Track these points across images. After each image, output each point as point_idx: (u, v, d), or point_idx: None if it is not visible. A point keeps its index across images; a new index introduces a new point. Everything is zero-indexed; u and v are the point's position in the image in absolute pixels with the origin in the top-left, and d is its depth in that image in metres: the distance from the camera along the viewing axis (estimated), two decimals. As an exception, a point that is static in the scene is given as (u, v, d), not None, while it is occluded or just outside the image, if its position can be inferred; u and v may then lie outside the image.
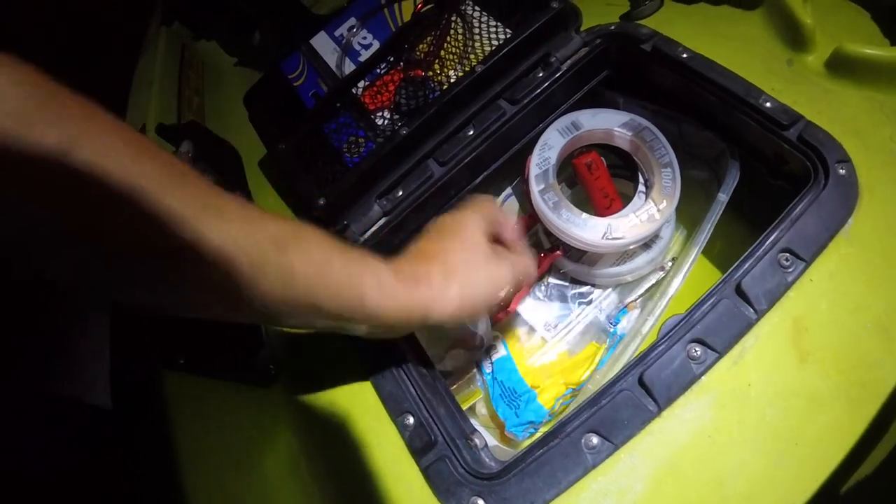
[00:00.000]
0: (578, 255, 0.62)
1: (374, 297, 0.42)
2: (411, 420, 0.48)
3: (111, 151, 0.30)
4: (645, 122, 0.59)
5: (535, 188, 0.57)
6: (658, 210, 0.54)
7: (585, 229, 0.54)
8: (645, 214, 0.55)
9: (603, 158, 0.60)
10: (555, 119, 0.60)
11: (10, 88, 0.27)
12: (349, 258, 0.41)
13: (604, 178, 0.59)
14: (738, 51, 0.58)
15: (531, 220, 0.61)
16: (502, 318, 0.61)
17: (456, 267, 0.46)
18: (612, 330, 0.60)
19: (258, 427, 0.52)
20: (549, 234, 0.60)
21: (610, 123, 0.60)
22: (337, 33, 0.71)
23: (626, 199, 0.59)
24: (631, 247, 0.57)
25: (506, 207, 0.72)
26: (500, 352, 0.60)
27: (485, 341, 0.61)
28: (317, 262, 0.39)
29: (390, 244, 0.59)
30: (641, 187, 0.59)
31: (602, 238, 0.54)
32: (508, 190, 0.72)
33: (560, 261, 0.62)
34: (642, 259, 0.60)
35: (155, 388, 0.49)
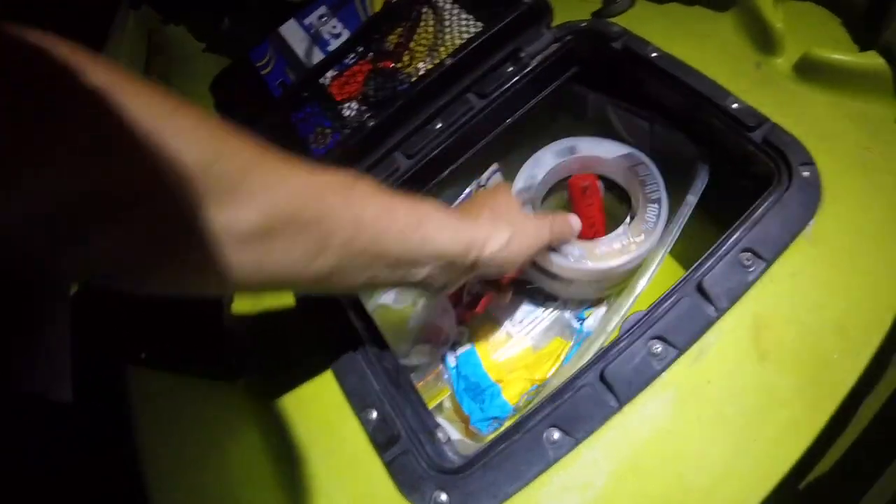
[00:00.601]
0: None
1: (437, 234, 0.43)
2: (374, 414, 0.48)
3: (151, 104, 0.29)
4: (643, 158, 0.60)
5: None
6: (634, 242, 0.55)
7: (559, 251, 0.55)
8: (618, 243, 0.55)
9: (601, 186, 0.61)
10: (522, 115, 0.61)
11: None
12: (409, 202, 0.42)
13: (595, 206, 0.60)
14: (708, 51, 0.59)
15: None
16: (468, 317, 0.61)
17: (504, 214, 0.50)
18: (577, 326, 0.60)
19: (221, 422, 0.51)
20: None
21: (608, 153, 0.61)
22: (307, 22, 0.70)
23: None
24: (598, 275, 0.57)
25: (491, 184, 0.72)
26: (465, 346, 0.60)
27: (450, 337, 0.61)
28: (382, 206, 0.40)
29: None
30: (627, 218, 0.60)
31: (571, 261, 0.55)
32: (495, 166, 0.72)
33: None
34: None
35: (118, 384, 0.48)
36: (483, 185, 0.66)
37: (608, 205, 0.63)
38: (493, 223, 0.48)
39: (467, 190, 0.72)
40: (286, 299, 0.57)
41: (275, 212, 0.33)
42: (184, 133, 0.29)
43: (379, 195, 0.40)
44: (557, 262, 0.54)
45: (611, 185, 0.63)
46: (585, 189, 0.59)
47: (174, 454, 0.50)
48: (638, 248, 0.55)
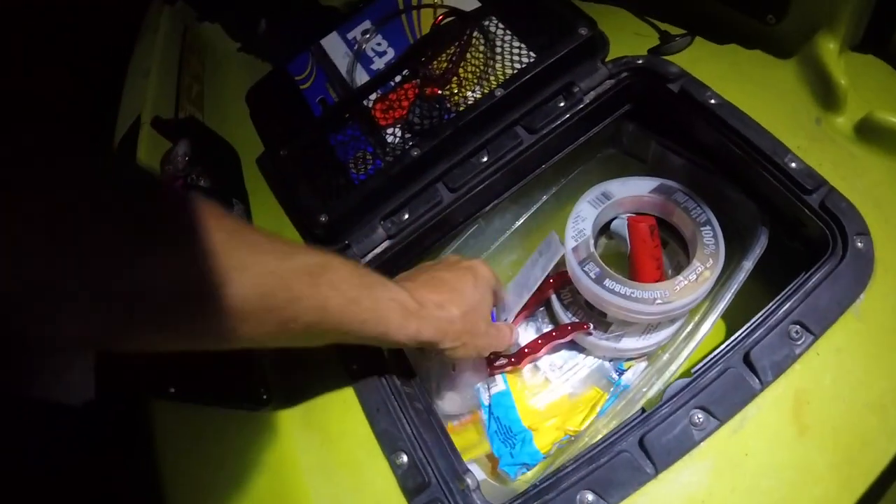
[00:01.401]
0: (605, 326, 0.62)
1: (398, 330, 0.47)
2: (405, 459, 0.49)
3: None
4: (675, 185, 0.59)
5: (573, 260, 0.58)
6: (706, 268, 0.55)
7: (633, 298, 0.55)
8: (693, 275, 0.55)
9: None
10: (571, 150, 0.60)
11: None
12: (375, 295, 0.46)
13: (660, 247, 0.60)
14: (768, 101, 0.58)
15: (557, 282, 0.64)
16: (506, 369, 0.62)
17: (469, 309, 0.52)
18: (616, 378, 0.60)
19: (247, 454, 0.51)
20: (586, 303, 0.61)
21: (640, 190, 0.60)
22: (350, 36, 0.68)
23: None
24: (679, 312, 0.56)
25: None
26: (500, 386, 0.61)
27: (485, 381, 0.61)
28: (347, 298, 0.43)
29: (391, 270, 0.58)
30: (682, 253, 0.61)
31: (653, 305, 0.54)
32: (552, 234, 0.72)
33: (581, 338, 0.62)
34: (667, 332, 0.60)
35: (140, 416, 0.48)
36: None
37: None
38: (465, 329, 0.52)
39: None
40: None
41: (244, 295, 0.35)
42: None
43: (345, 285, 0.43)
44: (641, 309, 0.54)
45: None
46: (653, 230, 0.59)
47: (197, 486, 0.50)
48: (712, 273, 0.55)
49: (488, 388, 0.61)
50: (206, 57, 0.90)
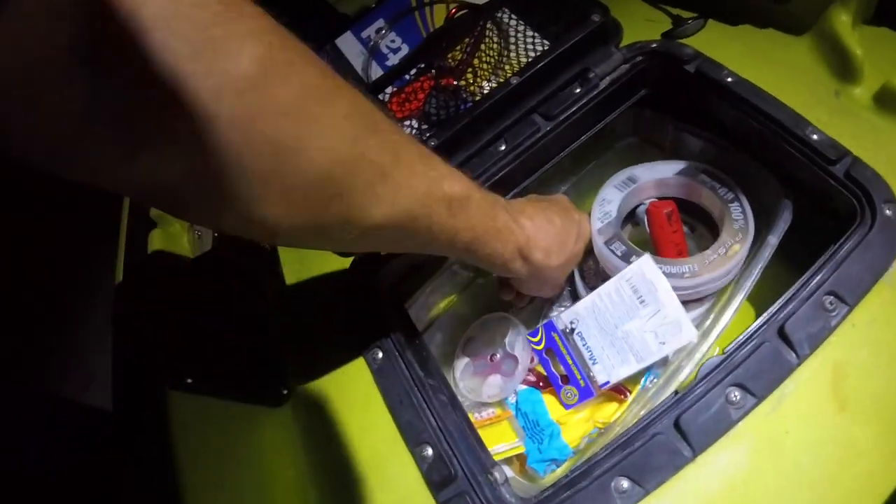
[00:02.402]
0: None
1: (503, 265, 0.50)
2: (430, 451, 0.47)
3: None
4: (701, 166, 0.59)
5: (599, 241, 0.58)
6: (736, 241, 0.54)
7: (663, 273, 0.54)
8: (723, 249, 0.54)
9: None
10: (589, 138, 0.59)
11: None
12: (502, 236, 0.49)
13: (680, 231, 0.59)
14: (784, 78, 0.57)
15: None
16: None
17: (564, 263, 0.54)
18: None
19: (266, 449, 0.50)
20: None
21: (666, 173, 0.60)
22: (364, 35, 0.69)
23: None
24: (708, 287, 0.55)
25: None
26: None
27: (522, 373, 0.59)
28: (475, 233, 0.46)
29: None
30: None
31: (682, 279, 0.53)
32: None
33: None
34: (694, 313, 0.58)
35: (158, 406, 0.47)
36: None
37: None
38: (557, 249, 0.53)
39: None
40: (336, 319, 0.57)
41: (395, 215, 0.38)
42: (334, 125, 0.33)
43: (477, 221, 0.46)
44: (672, 283, 0.53)
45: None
46: (670, 215, 0.58)
47: (216, 481, 0.49)
48: (742, 247, 0.54)
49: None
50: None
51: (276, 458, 0.49)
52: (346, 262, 0.59)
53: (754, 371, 0.44)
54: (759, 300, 0.55)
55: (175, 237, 0.62)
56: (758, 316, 0.48)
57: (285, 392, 0.52)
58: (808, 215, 0.54)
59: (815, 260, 0.48)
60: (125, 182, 0.30)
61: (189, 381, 0.47)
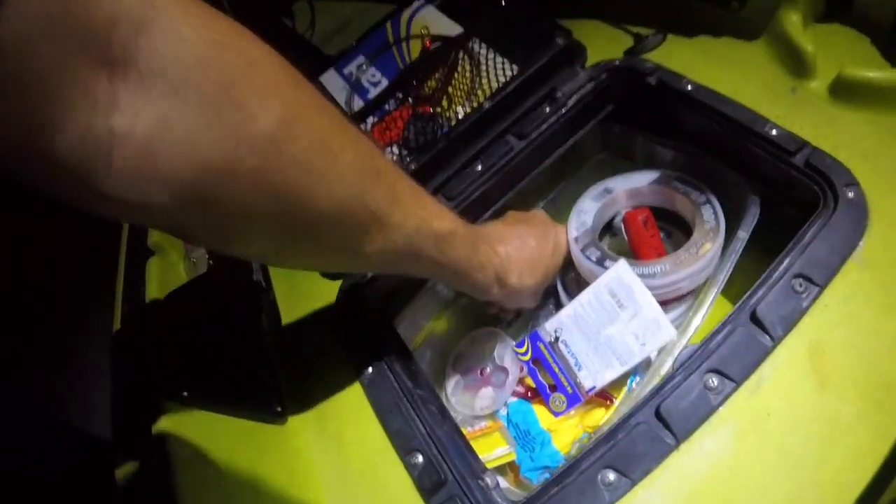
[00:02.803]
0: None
1: (480, 291, 0.54)
2: (420, 458, 0.48)
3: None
4: (673, 173, 0.61)
5: (576, 248, 0.60)
6: (707, 241, 0.56)
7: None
8: (694, 248, 0.56)
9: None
10: (562, 155, 0.62)
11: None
12: (480, 259, 0.52)
13: (657, 234, 0.61)
14: (742, 80, 0.60)
15: None
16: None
17: (541, 280, 0.58)
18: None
19: (262, 463, 0.51)
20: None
21: (639, 182, 0.63)
22: (346, 71, 0.74)
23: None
24: (683, 285, 0.57)
25: None
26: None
27: (513, 384, 0.61)
28: (460, 263, 0.49)
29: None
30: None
31: (654, 278, 0.55)
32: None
33: None
34: (674, 313, 0.60)
35: (156, 420, 0.49)
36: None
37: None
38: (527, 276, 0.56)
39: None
40: (326, 337, 0.59)
41: (386, 251, 0.41)
42: (341, 175, 0.36)
43: (459, 253, 0.49)
44: (647, 283, 0.55)
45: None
46: (646, 221, 0.60)
47: (212, 494, 0.50)
48: (713, 245, 0.56)
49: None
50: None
51: (272, 471, 0.50)
52: (335, 283, 0.62)
53: (730, 356, 0.45)
54: (735, 295, 0.56)
55: (172, 265, 0.65)
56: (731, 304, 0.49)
57: (280, 409, 0.53)
58: (777, 208, 0.56)
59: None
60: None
61: (186, 395, 0.48)
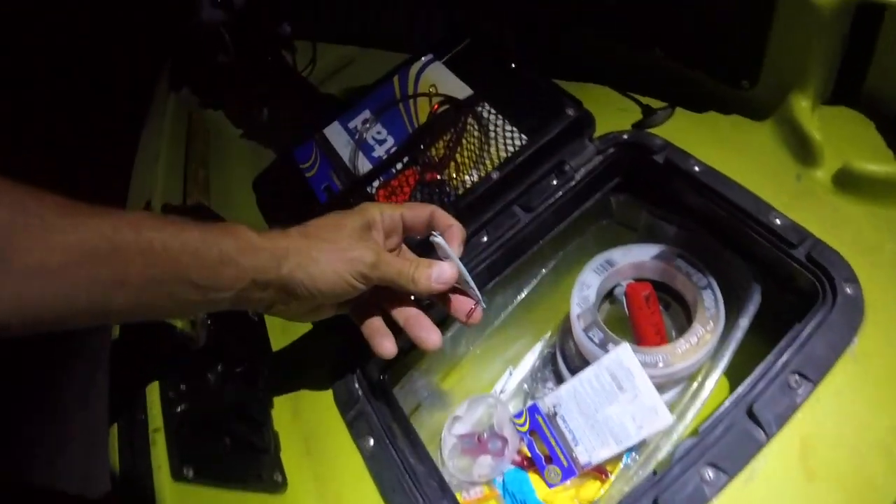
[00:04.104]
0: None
1: (234, 251, 0.48)
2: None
3: None
4: (675, 251, 0.66)
5: (578, 327, 0.64)
6: (707, 331, 0.61)
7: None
8: (694, 338, 0.61)
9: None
10: (567, 226, 0.67)
11: None
12: (205, 225, 0.48)
13: (657, 312, 0.66)
14: (749, 162, 0.65)
15: None
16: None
17: (322, 229, 0.54)
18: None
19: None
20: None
21: (642, 256, 0.67)
22: (351, 125, 0.78)
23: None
24: (681, 374, 0.62)
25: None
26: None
27: (512, 452, 0.65)
28: (172, 233, 0.45)
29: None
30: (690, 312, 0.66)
31: (655, 368, 0.60)
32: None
33: None
34: (671, 393, 0.64)
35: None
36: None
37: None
38: (303, 236, 0.52)
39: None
40: (327, 401, 0.63)
41: (73, 250, 0.39)
42: None
43: (169, 224, 0.45)
44: (647, 372, 0.60)
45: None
46: (648, 297, 0.65)
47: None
48: (713, 336, 0.61)
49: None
50: (211, 141, 1.00)
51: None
52: (332, 350, 0.66)
53: (726, 451, 0.49)
54: (732, 373, 0.62)
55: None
56: (731, 389, 0.54)
57: (280, 480, 0.57)
58: (776, 292, 0.61)
59: (782, 334, 0.54)
60: None
61: (186, 472, 0.52)
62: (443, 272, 0.54)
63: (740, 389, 0.53)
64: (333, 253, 0.52)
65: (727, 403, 0.52)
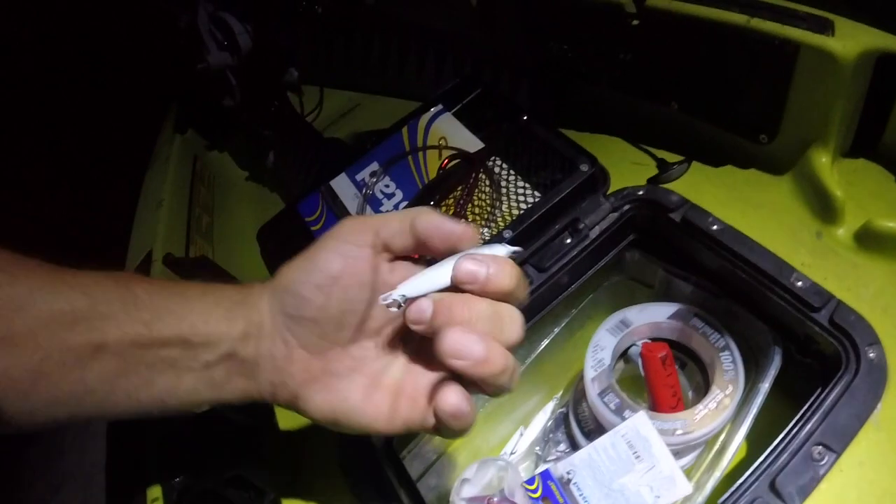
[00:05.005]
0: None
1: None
2: None
3: None
4: (693, 310, 0.67)
5: (593, 392, 0.65)
6: (726, 395, 0.62)
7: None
8: (713, 403, 0.62)
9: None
10: (581, 285, 0.68)
11: None
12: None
13: (674, 374, 0.66)
14: (768, 220, 0.66)
15: None
16: None
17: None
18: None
19: None
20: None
21: (658, 316, 0.68)
22: (358, 177, 0.79)
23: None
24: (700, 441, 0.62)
25: None
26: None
27: None
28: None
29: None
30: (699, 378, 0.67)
31: (673, 436, 0.61)
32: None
33: None
34: (688, 458, 0.65)
35: None
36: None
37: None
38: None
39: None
40: (331, 466, 0.64)
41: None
42: None
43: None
44: (664, 439, 0.60)
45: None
46: (664, 359, 0.65)
47: None
48: (732, 400, 0.61)
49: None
50: (216, 185, 1.02)
51: None
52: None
53: (749, 526, 0.50)
54: (753, 437, 0.62)
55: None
56: (750, 453, 0.56)
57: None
58: (797, 354, 0.62)
59: (805, 395, 0.55)
60: None
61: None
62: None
63: (762, 460, 0.53)
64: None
65: (748, 475, 0.53)
